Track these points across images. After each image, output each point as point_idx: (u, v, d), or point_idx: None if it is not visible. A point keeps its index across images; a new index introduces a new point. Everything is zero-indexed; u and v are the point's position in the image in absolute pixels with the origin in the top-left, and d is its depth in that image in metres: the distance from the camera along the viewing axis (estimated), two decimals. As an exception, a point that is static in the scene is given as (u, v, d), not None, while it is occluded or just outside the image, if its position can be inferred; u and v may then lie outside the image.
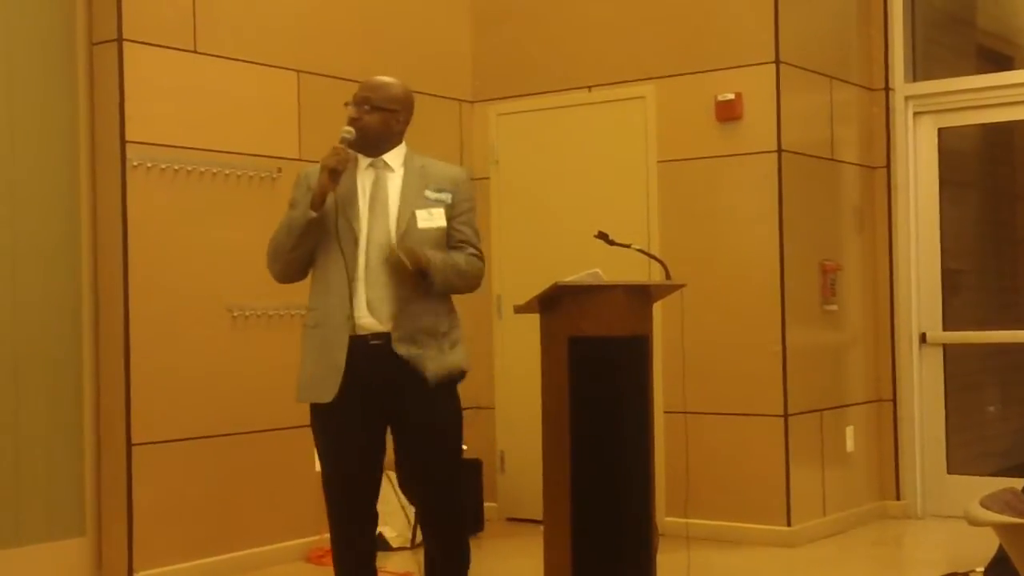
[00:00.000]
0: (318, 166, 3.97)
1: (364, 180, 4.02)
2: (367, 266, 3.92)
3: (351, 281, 3.89)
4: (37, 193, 5.23)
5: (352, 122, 4.01)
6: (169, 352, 5.39)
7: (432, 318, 3.98)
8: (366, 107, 4.03)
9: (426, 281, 3.91)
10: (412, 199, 4.00)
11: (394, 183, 4.02)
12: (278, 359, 5.76)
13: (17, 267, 5.16)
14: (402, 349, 3.90)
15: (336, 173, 3.88)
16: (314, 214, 3.91)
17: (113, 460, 5.30)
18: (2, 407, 5.09)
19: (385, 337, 3.90)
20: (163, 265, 5.38)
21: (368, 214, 3.96)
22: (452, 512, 4.07)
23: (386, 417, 4.00)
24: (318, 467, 5.88)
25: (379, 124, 4.03)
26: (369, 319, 3.91)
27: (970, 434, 7.11)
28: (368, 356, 3.90)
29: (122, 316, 5.27)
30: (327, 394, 3.92)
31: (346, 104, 4.09)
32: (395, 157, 4.07)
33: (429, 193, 4.02)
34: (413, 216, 3.97)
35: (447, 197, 4.03)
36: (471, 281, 4.13)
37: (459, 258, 4.05)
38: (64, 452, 5.28)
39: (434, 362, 3.95)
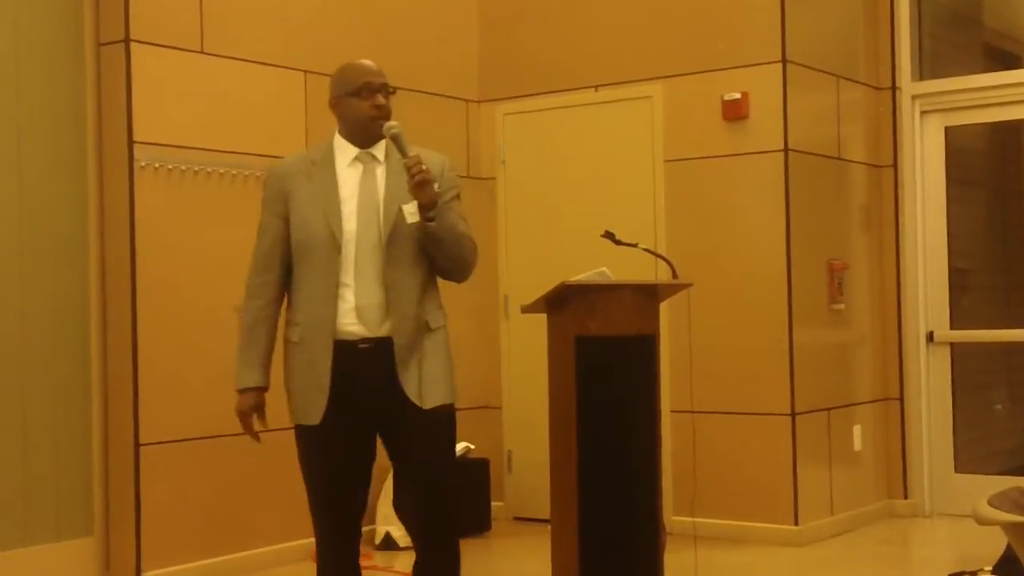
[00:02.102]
0: (293, 164, 3.74)
1: (349, 176, 3.70)
2: (357, 271, 3.63)
3: (337, 289, 3.62)
4: (45, 193, 5.24)
5: (384, 111, 3.69)
6: (177, 352, 5.40)
7: (423, 314, 3.70)
8: (390, 92, 3.75)
9: (430, 211, 3.60)
10: (397, 192, 3.66)
11: (381, 177, 3.70)
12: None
13: (25, 267, 5.17)
14: (398, 356, 3.64)
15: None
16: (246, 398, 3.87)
17: (121, 460, 5.31)
18: (10, 407, 5.11)
19: (375, 343, 3.62)
20: (170, 265, 5.39)
21: (357, 214, 3.65)
22: (441, 515, 3.77)
23: (376, 427, 3.74)
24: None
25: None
26: (357, 326, 3.62)
27: (978, 433, 7.10)
28: (355, 366, 3.63)
29: (130, 316, 5.28)
30: (314, 415, 3.67)
31: (374, 94, 3.70)
32: (381, 147, 3.74)
33: (405, 184, 3.63)
34: (400, 211, 3.63)
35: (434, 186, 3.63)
36: (465, 249, 3.74)
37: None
38: (72, 452, 5.29)
39: (422, 381, 3.68)
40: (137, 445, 5.27)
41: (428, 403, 3.67)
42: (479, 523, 6.45)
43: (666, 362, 5.79)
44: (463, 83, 6.91)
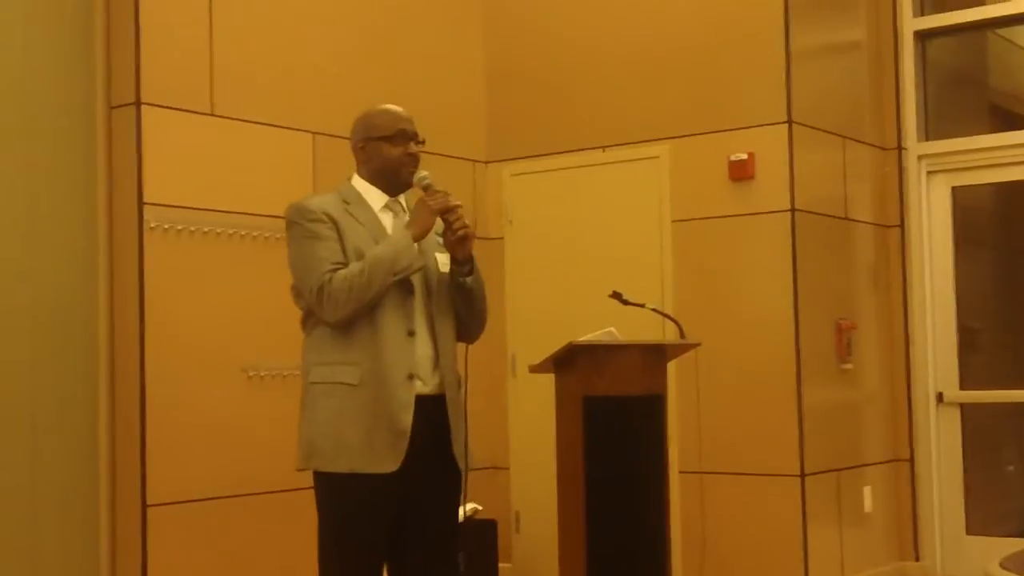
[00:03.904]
0: (327, 202, 3.63)
1: (385, 221, 3.65)
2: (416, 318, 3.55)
3: (412, 333, 3.50)
4: (55, 254, 5.26)
5: (415, 159, 3.66)
6: (185, 413, 5.39)
7: (457, 368, 3.66)
8: (420, 142, 3.70)
9: (467, 266, 3.58)
10: (429, 243, 3.61)
11: None
12: (293, 420, 5.74)
13: (35, 328, 5.18)
14: (450, 414, 3.57)
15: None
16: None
17: (128, 521, 5.29)
18: (18, 468, 5.09)
19: (431, 400, 3.54)
20: (179, 326, 5.40)
21: None
22: None
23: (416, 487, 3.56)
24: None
25: None
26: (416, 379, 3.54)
27: (989, 494, 7.05)
28: (421, 419, 3.50)
29: (138, 377, 5.28)
30: (387, 462, 3.47)
31: (408, 141, 3.67)
32: (404, 197, 3.73)
33: (435, 236, 3.64)
34: (435, 260, 3.63)
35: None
36: (486, 307, 3.74)
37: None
38: (80, 514, 5.27)
39: (467, 443, 3.60)
40: (144, 506, 5.25)
41: (470, 465, 3.61)
42: (487, 585, 6.40)
43: (674, 422, 5.78)
44: (470, 144, 6.96)
